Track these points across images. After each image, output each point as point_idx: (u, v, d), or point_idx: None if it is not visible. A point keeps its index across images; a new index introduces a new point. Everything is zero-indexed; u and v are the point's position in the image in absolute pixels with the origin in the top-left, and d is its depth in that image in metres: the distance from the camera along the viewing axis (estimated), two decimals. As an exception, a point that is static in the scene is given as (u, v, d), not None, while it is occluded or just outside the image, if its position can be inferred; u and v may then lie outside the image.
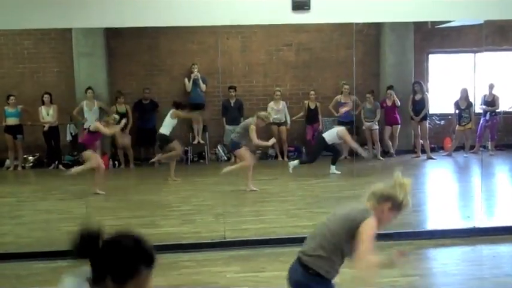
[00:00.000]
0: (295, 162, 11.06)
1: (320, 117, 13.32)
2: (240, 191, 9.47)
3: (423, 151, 12.85)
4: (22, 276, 5.86)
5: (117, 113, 12.58)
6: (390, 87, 13.03)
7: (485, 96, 13.09)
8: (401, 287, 5.24)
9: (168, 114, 10.81)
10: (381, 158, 12.67)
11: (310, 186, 9.73)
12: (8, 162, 12.65)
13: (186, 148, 13.00)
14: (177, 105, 11.16)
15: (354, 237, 3.22)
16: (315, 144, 11.68)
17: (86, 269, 2.26)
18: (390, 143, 13.02)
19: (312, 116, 13.28)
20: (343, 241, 3.28)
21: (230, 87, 13.06)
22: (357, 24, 10.96)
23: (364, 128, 12.93)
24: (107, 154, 12.45)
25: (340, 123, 12.97)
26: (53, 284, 5.80)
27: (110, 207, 8.62)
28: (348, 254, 3.31)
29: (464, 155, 12.78)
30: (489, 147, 12.98)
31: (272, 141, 10.28)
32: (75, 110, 12.35)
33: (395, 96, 12.93)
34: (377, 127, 12.88)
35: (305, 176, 10.70)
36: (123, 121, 10.88)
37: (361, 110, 13.01)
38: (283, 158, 13.07)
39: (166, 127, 10.77)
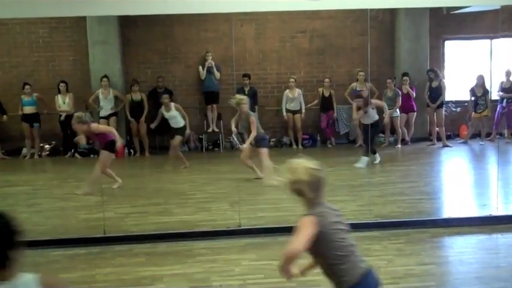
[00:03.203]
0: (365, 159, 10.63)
1: (335, 104, 13.28)
2: (255, 179, 9.47)
3: (439, 139, 12.77)
4: (39, 263, 5.90)
5: (132, 101, 12.66)
6: (405, 74, 12.95)
7: (502, 83, 12.96)
8: (417, 275, 5.22)
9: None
10: (399, 146, 12.61)
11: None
12: (24, 150, 12.77)
13: (200, 136, 13.06)
14: None
15: None
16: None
17: None
18: (406, 131, 12.95)
19: (326, 104, 13.24)
20: None
21: (244, 75, 13.05)
22: (371, 10, 10.87)
23: (384, 115, 12.83)
24: (122, 143, 12.51)
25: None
26: (70, 272, 5.89)
27: (126, 195, 8.66)
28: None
29: (481, 143, 12.69)
30: (506, 135, 12.87)
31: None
32: (90, 98, 12.43)
33: (408, 86, 12.85)
34: (398, 114, 12.78)
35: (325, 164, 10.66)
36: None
37: (382, 97, 12.91)
38: (297, 146, 13.06)
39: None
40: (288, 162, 3.28)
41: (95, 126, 8.93)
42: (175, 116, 10.86)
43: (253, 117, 9.41)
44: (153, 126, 11.46)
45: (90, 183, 8.67)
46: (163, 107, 10.98)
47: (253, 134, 9.32)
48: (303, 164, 3.23)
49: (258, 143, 9.41)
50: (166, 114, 10.92)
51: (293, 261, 3.04)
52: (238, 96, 9.82)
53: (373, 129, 10.87)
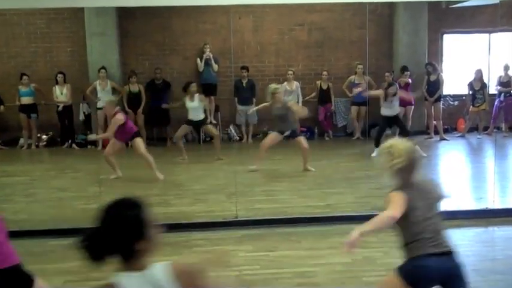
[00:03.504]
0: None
1: (332, 97, 13.28)
2: (250, 171, 9.47)
3: (436, 132, 12.78)
4: (36, 253, 5.92)
5: (130, 92, 12.64)
6: (405, 69, 12.87)
7: (500, 77, 12.98)
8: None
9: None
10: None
11: (321, 166, 9.72)
12: (22, 141, 12.76)
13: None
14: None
15: None
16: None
17: None
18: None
19: (324, 97, 13.24)
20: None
21: (242, 68, 13.03)
22: (369, 3, 10.85)
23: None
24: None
25: (354, 103, 12.94)
26: (66, 261, 5.89)
27: (123, 186, 8.66)
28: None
29: (478, 136, 12.71)
30: (503, 129, 12.88)
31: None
32: (88, 90, 12.40)
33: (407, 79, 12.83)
34: None
35: (316, 157, 10.69)
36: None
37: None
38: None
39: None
40: (386, 143, 3.41)
41: (116, 118, 8.90)
42: (197, 108, 10.80)
43: (291, 103, 9.53)
44: (165, 106, 11.63)
45: (153, 167, 8.99)
46: (188, 96, 10.90)
47: (303, 112, 9.69)
48: (400, 146, 3.35)
49: (293, 133, 9.60)
50: (190, 104, 10.81)
51: (383, 227, 3.26)
52: (273, 86, 9.92)
53: (394, 123, 10.92)
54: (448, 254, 3.34)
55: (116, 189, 8.36)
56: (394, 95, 10.58)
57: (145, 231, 2.24)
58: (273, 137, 9.64)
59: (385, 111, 10.70)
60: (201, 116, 10.82)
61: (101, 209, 2.24)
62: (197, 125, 10.95)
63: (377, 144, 10.73)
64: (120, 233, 2.21)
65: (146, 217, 2.26)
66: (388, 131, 12.90)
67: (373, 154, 10.66)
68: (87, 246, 2.22)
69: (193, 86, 10.96)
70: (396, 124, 11.08)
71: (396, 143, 3.39)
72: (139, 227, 2.23)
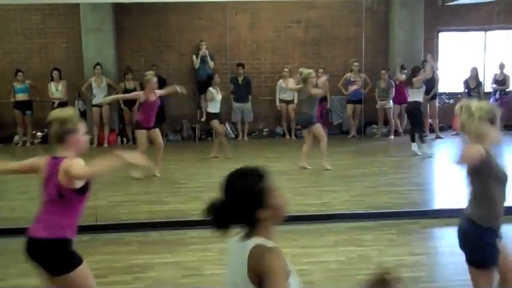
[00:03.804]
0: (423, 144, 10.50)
1: (328, 95, 13.25)
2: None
3: (432, 130, 12.79)
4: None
5: (126, 89, 12.61)
6: (402, 67, 12.85)
7: (496, 75, 12.99)
8: (408, 266, 5.25)
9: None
10: (391, 137, 12.64)
11: (318, 164, 9.71)
12: (16, 138, 12.71)
13: (193, 125, 13.03)
14: None
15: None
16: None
17: None
18: (399, 122, 12.96)
19: (320, 94, 13.22)
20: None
21: (238, 65, 13.00)
22: (366, 0, 10.84)
23: (377, 106, 12.82)
24: (115, 131, 12.48)
25: (350, 101, 12.94)
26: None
27: (118, 183, 8.64)
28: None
29: (473, 135, 12.69)
30: (498, 127, 12.90)
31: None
32: (83, 86, 12.36)
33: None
34: (391, 105, 12.77)
35: (312, 154, 10.70)
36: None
37: (375, 88, 12.90)
38: (290, 136, 13.06)
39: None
40: (462, 102, 3.67)
41: (159, 91, 9.19)
42: (220, 100, 10.74)
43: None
44: (208, 110, 10.86)
45: (158, 163, 9.07)
46: (215, 89, 10.74)
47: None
48: (477, 105, 3.57)
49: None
50: (218, 97, 10.68)
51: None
52: (306, 70, 9.52)
53: (418, 114, 10.71)
54: (469, 218, 3.68)
55: (111, 186, 8.34)
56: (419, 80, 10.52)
57: (265, 199, 2.26)
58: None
59: (413, 98, 10.61)
60: (219, 108, 10.80)
61: (223, 178, 2.30)
62: (220, 118, 10.90)
63: (422, 138, 10.60)
64: (240, 202, 2.25)
65: (266, 186, 2.29)
66: (384, 129, 12.99)
67: (429, 151, 10.56)
68: (212, 215, 2.27)
69: (218, 77, 10.96)
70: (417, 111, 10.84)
71: (473, 103, 3.60)
72: (259, 196, 2.26)
